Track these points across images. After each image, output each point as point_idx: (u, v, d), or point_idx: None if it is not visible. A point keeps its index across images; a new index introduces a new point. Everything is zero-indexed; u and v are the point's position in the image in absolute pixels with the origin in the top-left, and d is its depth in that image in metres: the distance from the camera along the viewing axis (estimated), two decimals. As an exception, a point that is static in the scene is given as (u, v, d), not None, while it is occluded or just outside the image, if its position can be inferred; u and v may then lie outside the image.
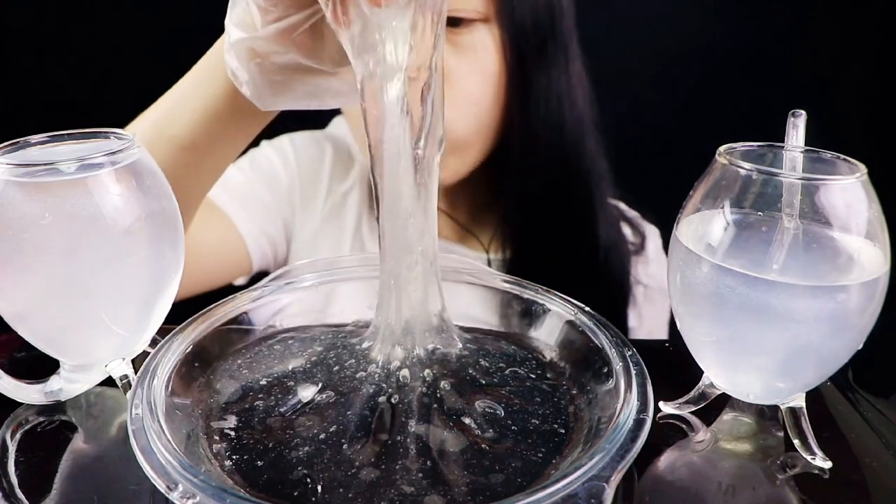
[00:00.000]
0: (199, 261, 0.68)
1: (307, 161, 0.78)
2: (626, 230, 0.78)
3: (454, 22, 0.61)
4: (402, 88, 0.36)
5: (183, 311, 0.42)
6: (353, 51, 0.35)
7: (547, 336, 0.42)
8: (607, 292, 0.73)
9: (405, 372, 0.38)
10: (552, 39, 0.65)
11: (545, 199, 0.70)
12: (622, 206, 0.81)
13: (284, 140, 0.79)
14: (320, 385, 0.38)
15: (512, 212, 0.71)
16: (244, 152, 0.77)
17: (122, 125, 0.53)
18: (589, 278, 0.72)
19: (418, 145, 0.37)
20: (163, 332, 0.40)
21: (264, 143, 0.79)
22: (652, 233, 0.81)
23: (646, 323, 0.77)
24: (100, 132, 0.40)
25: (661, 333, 0.80)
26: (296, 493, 0.30)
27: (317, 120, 0.82)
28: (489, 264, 0.74)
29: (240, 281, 0.76)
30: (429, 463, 0.32)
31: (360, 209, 0.77)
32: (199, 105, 0.49)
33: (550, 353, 0.42)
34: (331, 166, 0.78)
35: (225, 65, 0.45)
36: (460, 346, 0.41)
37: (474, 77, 0.63)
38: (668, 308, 0.80)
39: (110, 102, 0.55)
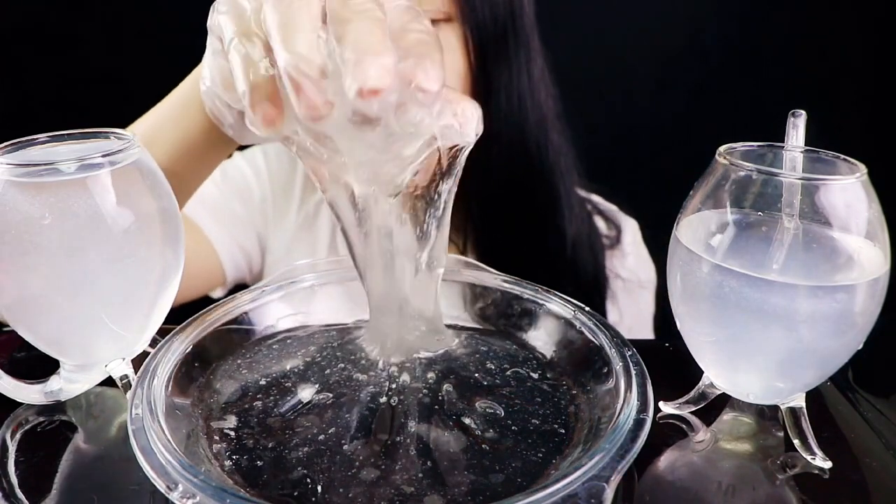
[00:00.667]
0: None
1: (279, 172, 0.78)
2: (601, 223, 0.78)
3: None
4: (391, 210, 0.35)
5: (183, 311, 0.42)
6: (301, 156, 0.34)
7: (547, 336, 0.42)
8: (581, 286, 0.73)
9: (405, 373, 0.38)
10: (513, 36, 0.65)
11: (508, 196, 0.70)
12: (596, 198, 0.81)
13: (256, 151, 0.79)
14: (320, 385, 0.38)
15: (476, 211, 0.71)
16: None
17: (123, 125, 0.53)
18: (559, 273, 0.72)
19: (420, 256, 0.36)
20: (163, 332, 0.40)
21: (236, 155, 0.78)
22: (629, 226, 0.81)
23: (626, 318, 0.77)
24: (100, 132, 0.40)
25: (645, 329, 0.80)
26: (296, 494, 0.30)
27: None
28: None
29: (217, 293, 0.76)
30: (429, 463, 0.32)
31: (335, 219, 0.77)
32: (177, 136, 0.50)
33: (550, 353, 0.42)
34: (303, 177, 0.78)
35: (202, 102, 0.46)
36: (459, 346, 0.41)
37: None
38: (651, 303, 0.80)
39: (110, 102, 0.55)
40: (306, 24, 0.30)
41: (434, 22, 0.61)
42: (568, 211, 0.71)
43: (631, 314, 0.78)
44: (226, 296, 0.71)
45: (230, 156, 0.78)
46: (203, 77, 0.44)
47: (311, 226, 0.77)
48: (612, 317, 0.76)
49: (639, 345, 0.37)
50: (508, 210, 0.71)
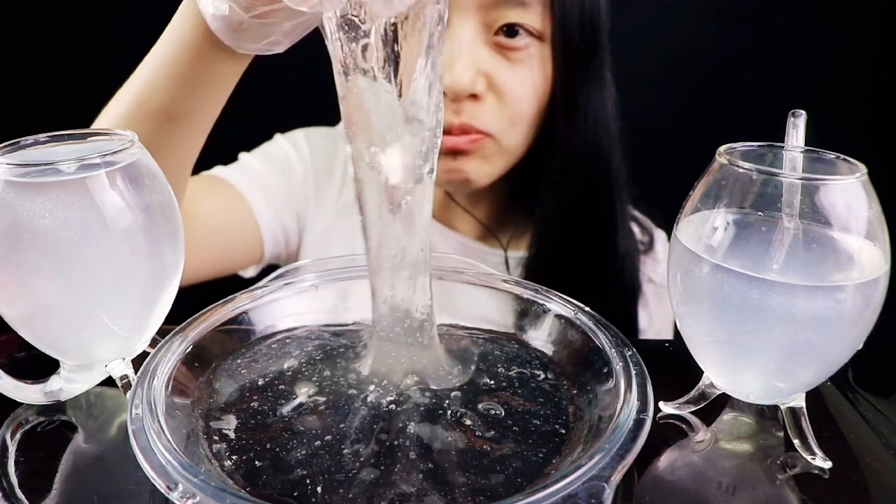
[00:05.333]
0: (211, 241, 0.68)
1: (322, 155, 0.79)
2: (635, 229, 0.79)
3: (513, 33, 0.62)
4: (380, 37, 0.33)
5: (183, 311, 0.42)
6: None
7: (547, 336, 0.42)
8: (620, 294, 0.74)
9: (407, 381, 0.38)
10: (594, 55, 0.66)
11: (574, 209, 0.71)
12: (630, 207, 0.81)
13: (299, 133, 0.80)
14: (320, 386, 0.38)
15: (544, 220, 0.72)
16: (257, 146, 0.78)
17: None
18: (604, 282, 0.73)
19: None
20: (163, 332, 0.40)
21: (278, 136, 0.79)
22: (660, 236, 0.82)
23: (655, 323, 0.78)
24: (100, 132, 0.40)
25: (668, 332, 0.81)
26: (296, 494, 0.30)
27: (327, 119, 0.82)
28: (506, 262, 0.75)
29: (249, 273, 0.76)
30: (429, 463, 0.32)
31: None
32: (183, 70, 0.48)
33: (551, 353, 0.42)
34: (345, 162, 0.78)
35: (202, 28, 0.45)
36: (459, 347, 0.41)
37: (527, 94, 0.65)
38: None
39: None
40: None
41: (526, 37, 0.63)
42: (623, 229, 0.73)
43: (660, 318, 0.78)
44: (257, 279, 0.71)
45: (271, 137, 0.78)
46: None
47: (351, 210, 0.77)
48: (643, 322, 0.77)
49: (639, 345, 0.37)
50: (571, 221, 0.72)
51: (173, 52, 0.48)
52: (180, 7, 0.48)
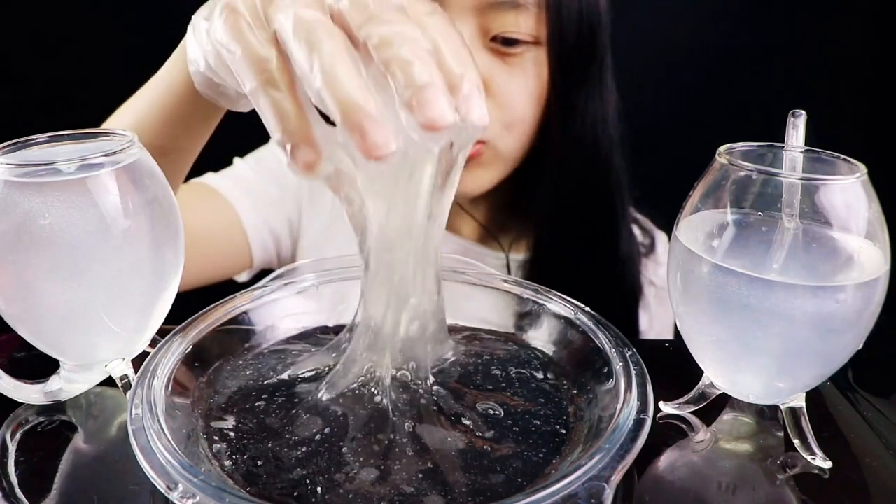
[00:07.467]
0: (197, 248, 0.68)
1: None
2: (636, 231, 0.79)
3: (509, 42, 0.62)
4: None
5: (183, 311, 0.42)
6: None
7: (547, 336, 0.42)
8: (621, 296, 0.74)
9: (405, 372, 0.38)
10: (592, 57, 0.66)
11: (574, 212, 0.71)
12: (631, 209, 0.81)
13: None
14: (320, 385, 0.38)
15: (544, 223, 0.72)
16: (252, 150, 0.78)
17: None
18: (605, 285, 0.73)
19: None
20: (163, 332, 0.40)
21: (272, 142, 0.79)
22: (661, 238, 0.82)
23: (656, 325, 0.78)
24: (100, 132, 0.40)
25: (669, 336, 0.81)
26: (296, 494, 0.30)
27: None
28: (507, 265, 0.75)
29: (242, 277, 0.76)
30: (429, 463, 0.32)
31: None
32: (166, 116, 0.50)
33: (551, 353, 0.42)
34: None
35: (190, 80, 0.46)
36: (460, 347, 0.41)
37: (523, 98, 0.65)
38: None
39: (110, 102, 0.55)
40: (343, 58, 0.29)
41: (523, 44, 0.62)
42: (624, 231, 0.72)
43: (661, 321, 0.78)
44: (251, 281, 0.71)
45: (266, 142, 0.79)
46: (193, 60, 0.44)
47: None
48: (644, 324, 0.77)
49: (639, 345, 0.37)
50: (571, 226, 0.72)
51: (164, 96, 0.50)
52: (173, 54, 0.49)
